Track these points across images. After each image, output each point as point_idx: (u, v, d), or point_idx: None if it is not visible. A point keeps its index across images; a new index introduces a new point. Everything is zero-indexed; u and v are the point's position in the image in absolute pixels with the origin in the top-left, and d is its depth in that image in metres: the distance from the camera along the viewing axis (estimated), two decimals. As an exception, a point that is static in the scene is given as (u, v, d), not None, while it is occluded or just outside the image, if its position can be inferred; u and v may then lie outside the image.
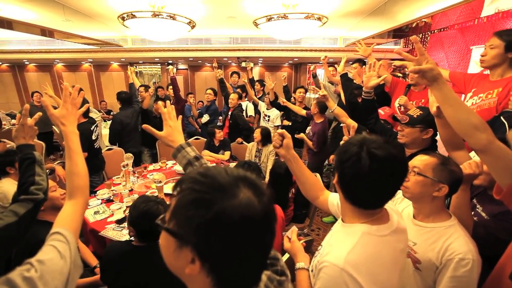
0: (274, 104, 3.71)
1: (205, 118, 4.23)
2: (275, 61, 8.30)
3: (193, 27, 3.89)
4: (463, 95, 1.75)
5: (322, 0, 3.36)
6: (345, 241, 0.75)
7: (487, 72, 1.69)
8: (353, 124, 2.10)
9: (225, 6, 3.63)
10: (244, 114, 4.17)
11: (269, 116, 3.90)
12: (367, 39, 4.48)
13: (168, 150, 2.27)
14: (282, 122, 3.93)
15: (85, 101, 2.99)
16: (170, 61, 8.22)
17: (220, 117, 4.80)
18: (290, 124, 3.72)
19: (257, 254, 0.44)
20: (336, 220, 1.16)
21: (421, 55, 0.90)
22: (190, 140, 4.02)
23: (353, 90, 2.31)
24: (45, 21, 4.10)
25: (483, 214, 1.15)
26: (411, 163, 1.04)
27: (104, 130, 4.94)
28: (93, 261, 1.59)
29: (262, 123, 3.99)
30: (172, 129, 0.92)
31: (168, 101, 0.99)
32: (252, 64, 6.51)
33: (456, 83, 1.78)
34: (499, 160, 0.86)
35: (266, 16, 3.27)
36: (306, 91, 3.53)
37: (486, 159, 0.90)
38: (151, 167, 3.00)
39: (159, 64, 8.41)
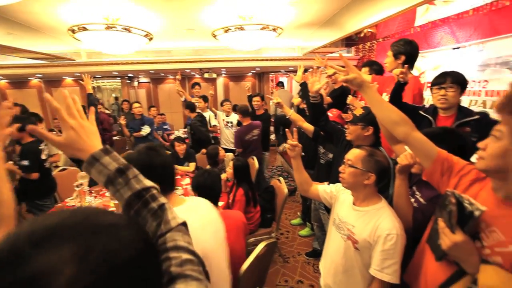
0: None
1: (147, 129, 4.11)
2: (238, 71, 8.43)
3: (150, 39, 3.82)
4: (384, 94, 1.99)
5: (277, 13, 3.53)
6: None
7: None
8: (310, 127, 2.23)
9: (183, 18, 3.65)
10: (208, 123, 4.21)
11: (231, 122, 3.97)
12: (322, 48, 4.79)
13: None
14: None
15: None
16: (131, 75, 7.95)
17: (185, 129, 4.77)
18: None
19: None
20: (303, 222, 1.64)
21: (347, 67, 1.06)
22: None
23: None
24: (-18, 35, 3.75)
25: (421, 200, 1.29)
26: (346, 156, 1.17)
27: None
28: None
29: (225, 131, 4.05)
30: (77, 132, 0.60)
31: (75, 96, 0.63)
32: (214, 75, 6.57)
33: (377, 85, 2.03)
34: (418, 148, 0.99)
35: (224, 28, 3.34)
36: (263, 99, 3.69)
37: (410, 148, 1.02)
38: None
39: (119, 78, 8.07)
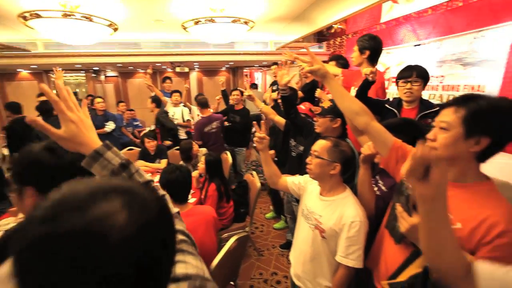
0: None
1: (111, 125, 3.93)
2: (212, 65, 8.28)
3: (115, 30, 3.61)
4: (352, 88, 2.07)
5: (249, 6, 3.49)
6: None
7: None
8: (281, 120, 2.25)
9: (150, 8, 3.47)
10: (181, 118, 4.12)
11: None
12: (294, 43, 4.83)
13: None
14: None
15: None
16: (96, 68, 7.47)
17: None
18: (230, 125, 3.72)
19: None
20: (276, 215, 1.61)
21: (311, 58, 1.06)
22: (124, 151, 3.74)
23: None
24: None
25: (383, 188, 1.35)
26: (313, 148, 1.19)
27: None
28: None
29: None
30: (77, 126, 0.60)
31: (67, 87, 0.63)
32: (186, 69, 6.38)
33: (346, 78, 2.13)
34: (376, 137, 1.03)
35: (193, 20, 3.24)
36: (242, 93, 3.61)
37: (369, 137, 1.06)
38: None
39: (83, 72, 7.55)
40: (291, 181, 1.41)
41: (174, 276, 0.51)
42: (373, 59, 2.01)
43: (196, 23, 3.25)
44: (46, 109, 3.06)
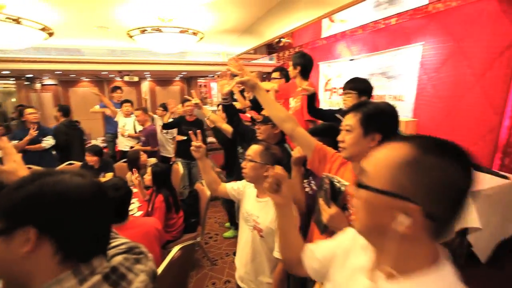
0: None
1: (50, 140, 3.50)
2: (165, 75, 8.07)
3: (51, 34, 3.33)
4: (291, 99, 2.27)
5: (197, 18, 3.55)
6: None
7: None
8: (229, 128, 2.31)
9: (91, 14, 3.30)
10: (133, 130, 3.99)
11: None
12: (245, 55, 5.02)
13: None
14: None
15: None
16: (30, 75, 6.72)
17: (103, 138, 4.36)
18: (185, 138, 3.61)
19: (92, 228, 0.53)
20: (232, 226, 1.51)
21: (241, 70, 1.16)
22: (62, 167, 3.43)
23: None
24: None
25: (315, 187, 1.49)
26: (247, 152, 1.28)
27: None
28: None
29: (161, 137, 3.93)
30: (18, 164, 0.83)
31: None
32: (136, 78, 6.13)
33: (282, 91, 2.33)
34: (301, 141, 1.16)
35: (139, 28, 3.17)
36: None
37: (295, 141, 1.19)
38: None
39: (13, 79, 6.73)
40: (230, 187, 1.46)
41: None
42: (304, 74, 2.25)
43: (143, 31, 3.19)
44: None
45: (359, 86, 1.86)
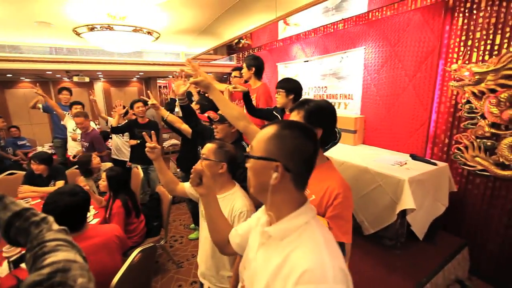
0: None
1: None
2: (121, 75, 7.64)
3: (-20, 30, 2.97)
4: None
5: (153, 17, 3.45)
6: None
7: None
8: (188, 129, 2.31)
9: (29, 8, 3.01)
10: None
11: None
12: (204, 55, 4.99)
13: None
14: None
15: None
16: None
17: (51, 144, 3.97)
18: (139, 142, 3.45)
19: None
20: (197, 227, 1.57)
21: (195, 71, 1.21)
22: (1, 176, 3.12)
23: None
24: None
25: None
26: (201, 151, 1.32)
27: None
28: None
29: (117, 140, 3.78)
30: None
31: None
32: (87, 79, 5.71)
33: (237, 92, 2.46)
34: (253, 137, 1.23)
35: (87, 25, 2.98)
36: (146, 104, 3.38)
37: (247, 137, 1.27)
38: None
39: None
40: (188, 186, 1.48)
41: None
42: (258, 74, 2.44)
43: (91, 29, 3.01)
44: None
45: (287, 86, 2.00)
